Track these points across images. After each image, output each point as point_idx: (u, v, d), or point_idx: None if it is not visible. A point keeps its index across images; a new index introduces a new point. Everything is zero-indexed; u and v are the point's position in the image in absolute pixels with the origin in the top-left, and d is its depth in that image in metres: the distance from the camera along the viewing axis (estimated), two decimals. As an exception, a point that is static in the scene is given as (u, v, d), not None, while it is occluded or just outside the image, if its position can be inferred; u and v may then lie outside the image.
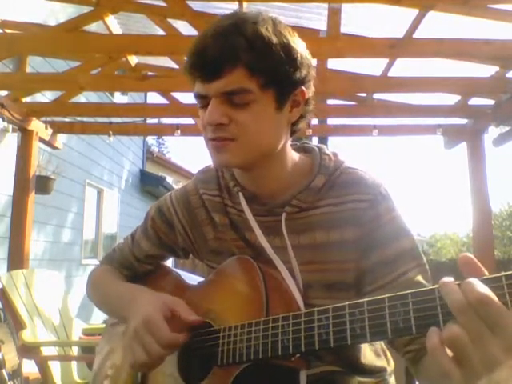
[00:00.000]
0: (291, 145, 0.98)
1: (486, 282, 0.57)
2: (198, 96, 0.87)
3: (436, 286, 0.61)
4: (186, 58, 0.87)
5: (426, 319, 0.61)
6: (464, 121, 4.86)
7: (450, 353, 0.57)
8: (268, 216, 0.95)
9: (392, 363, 1.04)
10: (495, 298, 0.54)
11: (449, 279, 0.59)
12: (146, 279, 1.15)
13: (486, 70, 4.02)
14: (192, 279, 1.10)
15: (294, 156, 0.97)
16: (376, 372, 0.98)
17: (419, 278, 0.87)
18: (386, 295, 0.66)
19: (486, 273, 0.59)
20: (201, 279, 1.09)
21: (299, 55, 0.86)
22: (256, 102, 0.84)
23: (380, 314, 0.66)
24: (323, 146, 1.01)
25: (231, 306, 0.90)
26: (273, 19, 0.86)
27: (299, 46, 0.88)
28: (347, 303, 0.71)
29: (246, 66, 0.81)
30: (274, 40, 0.83)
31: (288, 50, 0.84)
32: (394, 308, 0.64)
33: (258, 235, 0.94)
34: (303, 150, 1.02)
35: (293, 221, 0.92)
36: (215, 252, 1.02)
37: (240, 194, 0.97)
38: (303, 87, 0.89)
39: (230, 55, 0.81)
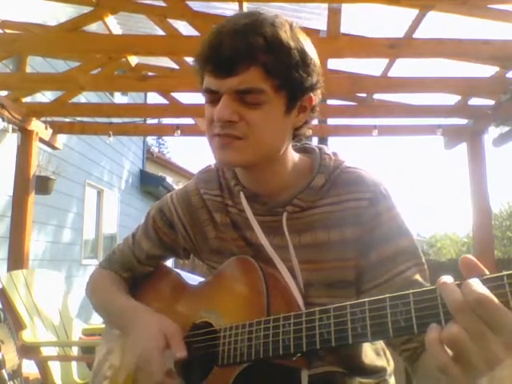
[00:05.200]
0: (292, 145, 0.98)
1: (487, 281, 0.57)
2: (207, 91, 0.87)
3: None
4: (197, 54, 0.87)
5: (428, 318, 0.61)
6: (464, 121, 4.85)
7: (449, 351, 0.57)
8: (269, 216, 0.95)
9: (392, 363, 1.04)
10: (494, 298, 0.54)
11: (447, 279, 0.59)
12: (146, 280, 1.15)
13: (486, 70, 4.02)
14: (192, 279, 1.10)
15: (294, 157, 0.97)
16: (376, 372, 0.98)
17: (417, 276, 0.88)
18: (387, 295, 0.66)
19: (487, 273, 0.58)
20: (201, 279, 1.09)
21: (313, 62, 0.88)
22: (268, 103, 0.84)
23: (381, 313, 0.66)
24: (323, 147, 1.01)
25: (232, 306, 0.90)
26: (289, 23, 0.87)
27: (313, 52, 0.89)
28: (348, 303, 0.71)
29: (262, 66, 0.81)
30: (292, 44, 0.83)
31: (303, 55, 0.85)
32: (395, 307, 0.65)
33: (258, 234, 0.94)
34: (304, 150, 1.02)
35: (294, 220, 0.93)
36: (216, 252, 1.02)
37: (241, 193, 0.97)
38: (312, 94, 0.89)
39: (247, 53, 0.81)
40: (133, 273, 1.15)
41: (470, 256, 0.59)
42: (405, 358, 0.87)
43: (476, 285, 0.56)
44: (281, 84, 0.83)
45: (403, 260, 0.88)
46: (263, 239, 0.94)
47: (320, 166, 0.95)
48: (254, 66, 0.81)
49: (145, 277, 1.16)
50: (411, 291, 0.64)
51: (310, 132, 0.98)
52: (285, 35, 0.83)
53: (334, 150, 1.00)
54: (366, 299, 0.69)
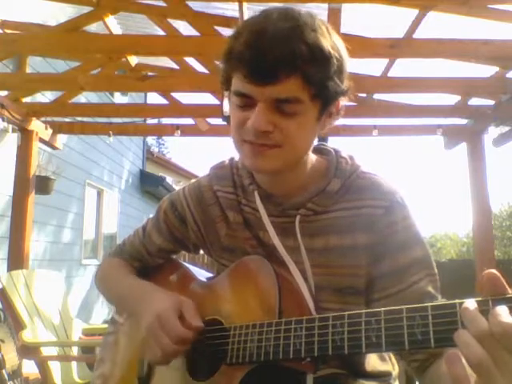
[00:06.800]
0: None
1: (508, 300, 0.56)
2: (239, 94, 0.83)
3: (457, 300, 0.60)
4: (230, 50, 0.82)
5: (446, 333, 0.59)
6: (464, 121, 4.85)
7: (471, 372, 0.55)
8: (282, 217, 0.94)
9: (397, 367, 1.03)
10: None
11: (470, 304, 0.57)
12: (156, 273, 1.15)
13: (486, 70, 4.02)
14: (202, 274, 1.09)
15: (312, 158, 0.96)
16: (381, 376, 0.97)
17: (430, 288, 0.87)
18: (404, 306, 0.65)
19: (510, 290, 0.57)
20: (210, 275, 1.09)
21: (347, 68, 0.86)
22: (303, 112, 0.82)
23: (397, 324, 0.65)
24: (340, 149, 0.99)
25: (243, 306, 0.90)
26: (326, 26, 0.84)
27: (346, 56, 0.87)
28: (364, 311, 0.70)
29: (302, 75, 0.79)
30: (332, 52, 0.81)
31: (341, 63, 0.83)
32: (412, 320, 0.63)
33: (271, 235, 0.93)
34: (320, 151, 1.01)
35: (307, 223, 0.92)
36: (227, 249, 1.02)
37: (255, 192, 0.96)
38: (340, 99, 0.88)
39: (289, 62, 0.77)
40: (142, 263, 1.15)
41: (493, 271, 0.58)
42: (413, 368, 0.86)
43: (504, 315, 0.53)
44: (317, 93, 0.81)
45: (416, 270, 0.87)
46: (276, 240, 0.93)
47: (336, 169, 0.94)
48: (295, 74, 0.78)
49: (154, 269, 1.15)
50: (430, 304, 0.63)
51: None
52: (326, 43, 0.80)
53: (350, 154, 0.98)
54: (382, 309, 0.68)
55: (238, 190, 1.01)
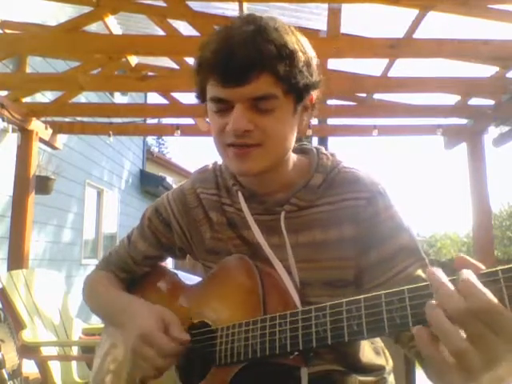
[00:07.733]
0: None
1: (482, 276, 0.56)
2: (215, 100, 0.86)
3: None
4: (200, 61, 0.86)
5: (423, 315, 0.60)
6: (464, 121, 4.85)
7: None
8: (267, 215, 0.95)
9: (391, 362, 1.04)
10: (498, 304, 0.53)
11: (441, 276, 0.58)
12: (142, 281, 1.15)
13: (486, 70, 4.02)
14: (189, 279, 1.10)
15: (293, 157, 0.98)
16: (375, 370, 0.98)
17: (419, 272, 0.88)
18: (383, 291, 0.66)
19: (483, 268, 0.58)
20: (197, 279, 1.09)
21: (314, 60, 0.89)
22: (279, 108, 0.85)
23: (377, 310, 0.66)
24: (320, 147, 1.02)
25: (228, 306, 0.90)
26: (288, 26, 0.88)
27: (312, 50, 0.90)
28: (344, 300, 0.71)
29: (272, 72, 0.82)
30: (297, 47, 0.85)
31: (307, 56, 0.87)
32: (390, 304, 0.65)
33: (255, 233, 0.94)
34: (301, 151, 1.03)
35: (291, 219, 0.93)
36: (211, 252, 1.02)
37: (239, 192, 0.97)
38: (312, 92, 0.91)
39: (258, 61, 0.81)
40: (129, 274, 1.15)
41: (463, 255, 0.59)
42: (413, 353, 0.87)
43: (479, 291, 0.54)
44: (289, 88, 0.84)
45: (403, 258, 0.89)
46: (260, 238, 0.94)
47: (318, 165, 0.96)
48: (265, 72, 0.82)
49: (141, 278, 1.15)
50: (406, 287, 0.64)
51: (310, 132, 0.99)
52: (290, 40, 0.84)
53: (331, 151, 1.01)
54: (362, 296, 0.69)
55: (221, 191, 1.02)
